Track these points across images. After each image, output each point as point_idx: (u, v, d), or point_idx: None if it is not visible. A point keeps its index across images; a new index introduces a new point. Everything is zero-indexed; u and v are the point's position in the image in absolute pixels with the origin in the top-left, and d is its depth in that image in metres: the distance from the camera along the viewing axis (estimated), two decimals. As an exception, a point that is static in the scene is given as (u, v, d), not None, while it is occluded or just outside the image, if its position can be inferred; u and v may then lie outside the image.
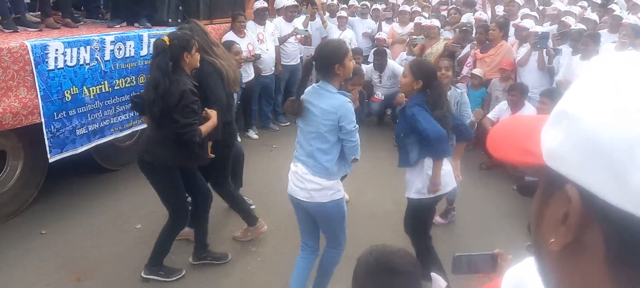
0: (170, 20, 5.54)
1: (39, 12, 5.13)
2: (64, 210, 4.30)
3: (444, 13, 8.34)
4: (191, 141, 3.04)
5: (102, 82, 4.44)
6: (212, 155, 3.46)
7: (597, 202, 0.43)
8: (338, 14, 8.05)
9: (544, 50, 5.75)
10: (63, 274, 3.49)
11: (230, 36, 5.89)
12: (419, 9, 8.58)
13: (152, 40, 4.95)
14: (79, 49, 4.20)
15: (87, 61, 4.28)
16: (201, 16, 5.74)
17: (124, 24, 5.29)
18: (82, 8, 6.00)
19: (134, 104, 3.40)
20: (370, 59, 7.35)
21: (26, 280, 3.41)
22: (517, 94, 5.38)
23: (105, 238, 3.94)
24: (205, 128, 3.14)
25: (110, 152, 4.92)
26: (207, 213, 3.53)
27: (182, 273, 3.46)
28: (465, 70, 6.37)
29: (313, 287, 3.15)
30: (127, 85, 4.69)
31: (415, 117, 3.00)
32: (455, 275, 1.43)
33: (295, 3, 7.39)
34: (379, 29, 8.11)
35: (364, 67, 7.09)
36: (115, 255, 3.71)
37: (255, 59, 6.24)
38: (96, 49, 4.36)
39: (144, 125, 4.14)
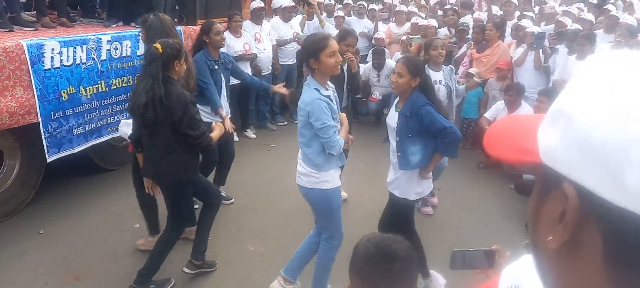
0: (167, 19, 5.52)
1: (35, 12, 5.11)
2: (61, 209, 4.29)
3: (440, 13, 8.37)
4: (207, 148, 3.16)
5: (99, 82, 4.42)
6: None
7: (594, 200, 0.43)
8: (335, 14, 8.06)
9: (541, 49, 5.76)
10: (61, 274, 3.48)
11: (226, 36, 5.88)
12: (416, 9, 8.60)
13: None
14: (75, 48, 4.19)
15: (84, 61, 4.27)
16: (197, 16, 5.73)
17: (120, 23, 5.27)
18: (78, 7, 5.98)
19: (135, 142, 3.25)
20: (368, 58, 7.36)
21: (23, 280, 3.40)
22: (513, 94, 5.40)
23: (102, 237, 3.93)
24: (214, 136, 3.20)
25: (107, 151, 4.90)
26: (213, 217, 3.51)
27: (172, 283, 3.39)
28: (461, 70, 6.38)
29: (312, 281, 3.17)
30: (123, 85, 4.68)
31: (433, 116, 2.99)
32: (453, 270, 1.45)
33: (293, 3, 7.39)
34: (376, 29, 8.12)
35: (361, 66, 7.10)
36: (112, 255, 3.70)
37: (252, 58, 6.23)
38: (92, 48, 4.35)
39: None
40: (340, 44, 4.15)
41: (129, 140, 3.32)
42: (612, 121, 0.41)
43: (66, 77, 4.12)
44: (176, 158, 3.03)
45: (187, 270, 3.46)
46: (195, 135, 2.99)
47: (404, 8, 8.39)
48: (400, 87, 3.07)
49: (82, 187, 4.72)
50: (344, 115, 3.05)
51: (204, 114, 4.17)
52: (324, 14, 8.09)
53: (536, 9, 8.43)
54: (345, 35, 4.26)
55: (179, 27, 5.41)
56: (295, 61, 7.12)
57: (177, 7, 5.72)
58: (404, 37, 7.13)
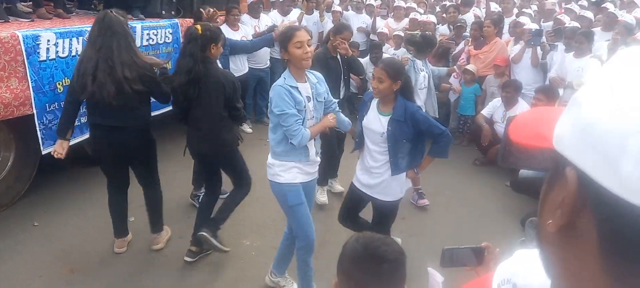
0: (163, 12, 5.50)
1: (31, 2, 5.07)
2: (56, 202, 4.27)
3: (438, 9, 8.37)
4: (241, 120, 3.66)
5: (95, 74, 4.39)
6: None
7: (592, 186, 0.44)
8: (333, 9, 8.04)
9: (538, 47, 5.77)
10: (56, 266, 3.47)
11: (224, 29, 5.86)
12: (414, 5, 8.58)
13: (146, 32, 4.95)
14: (71, 39, 4.16)
15: (80, 52, 4.23)
16: (195, 9, 5.70)
17: (117, 15, 5.23)
18: (75, -1, 5.95)
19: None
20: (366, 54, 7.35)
21: (18, 273, 3.39)
22: (511, 91, 5.40)
23: (97, 230, 3.91)
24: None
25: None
26: (241, 199, 3.69)
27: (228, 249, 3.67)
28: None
29: (298, 282, 3.16)
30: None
31: (429, 121, 3.05)
32: (443, 267, 1.44)
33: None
34: (374, 24, 8.11)
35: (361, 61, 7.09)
36: (108, 248, 3.69)
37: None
38: (89, 40, 4.32)
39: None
40: (336, 38, 4.24)
41: None
42: (611, 119, 0.43)
43: (62, 68, 4.09)
44: (229, 129, 3.44)
45: (188, 259, 3.57)
46: (240, 107, 3.42)
47: (402, 3, 8.37)
48: (381, 93, 2.98)
49: (77, 180, 4.70)
50: (331, 115, 2.97)
51: None
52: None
53: (534, 6, 8.42)
54: (341, 29, 4.32)
55: (176, 20, 5.40)
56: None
57: (174, 0, 5.69)
58: (401, 33, 7.12)
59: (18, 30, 3.83)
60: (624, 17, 6.00)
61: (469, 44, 6.42)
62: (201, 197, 3.94)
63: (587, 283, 0.47)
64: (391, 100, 3.03)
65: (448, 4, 8.32)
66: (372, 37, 8.06)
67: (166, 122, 5.36)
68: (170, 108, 4.90)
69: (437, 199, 4.86)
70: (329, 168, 4.61)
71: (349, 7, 8.78)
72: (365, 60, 6.95)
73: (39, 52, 3.90)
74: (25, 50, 3.79)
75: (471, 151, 6.02)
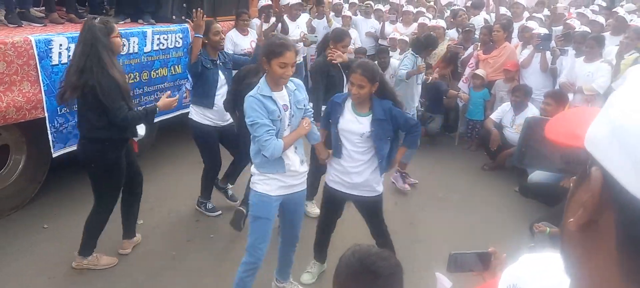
0: (174, 17, 5.55)
1: (43, 8, 5.14)
2: (66, 204, 4.31)
3: (447, 13, 8.35)
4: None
5: (106, 78, 4.44)
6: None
7: (615, 187, 0.45)
8: (343, 13, 8.05)
9: (548, 51, 5.73)
10: (65, 268, 3.50)
11: (233, 34, 5.89)
12: (423, 10, 8.57)
13: (156, 37, 5.00)
14: (82, 44, 4.20)
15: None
16: (205, 13, 5.73)
17: (128, 20, 5.29)
18: (86, 4, 6.00)
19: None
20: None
21: (28, 274, 3.42)
22: (520, 95, 5.38)
23: (106, 232, 3.92)
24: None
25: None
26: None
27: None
28: (467, 71, 6.36)
29: None
30: (130, 81, 4.68)
31: (405, 115, 3.15)
32: (449, 272, 1.45)
33: (300, 1, 7.38)
34: (383, 29, 8.11)
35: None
36: (116, 250, 3.72)
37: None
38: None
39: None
40: (337, 46, 4.10)
41: (135, 139, 3.52)
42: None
43: (73, 72, 4.14)
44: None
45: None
46: None
47: (411, 8, 8.37)
48: (362, 97, 2.99)
49: (87, 183, 4.72)
50: (306, 121, 2.87)
51: (206, 116, 4.16)
52: (332, 14, 8.09)
53: (546, 10, 8.37)
54: (343, 36, 4.19)
55: (185, 25, 5.44)
56: (301, 61, 7.12)
57: (184, 5, 5.74)
58: (406, 38, 7.11)
59: (31, 35, 3.89)
60: (634, 22, 5.95)
61: (478, 48, 6.39)
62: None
63: (604, 283, 0.48)
64: (367, 101, 3.05)
65: (457, 8, 8.30)
66: (380, 41, 8.06)
67: (172, 127, 5.40)
68: (174, 113, 4.93)
69: (445, 203, 4.85)
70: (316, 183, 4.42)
71: (358, 12, 8.79)
72: (373, 65, 6.96)
73: (51, 56, 3.95)
74: (38, 55, 3.84)
75: (479, 156, 5.99)
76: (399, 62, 5.22)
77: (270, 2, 6.72)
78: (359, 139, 3.06)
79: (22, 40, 3.77)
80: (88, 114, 3.14)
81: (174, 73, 5.28)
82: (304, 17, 7.47)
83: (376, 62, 6.84)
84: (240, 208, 3.92)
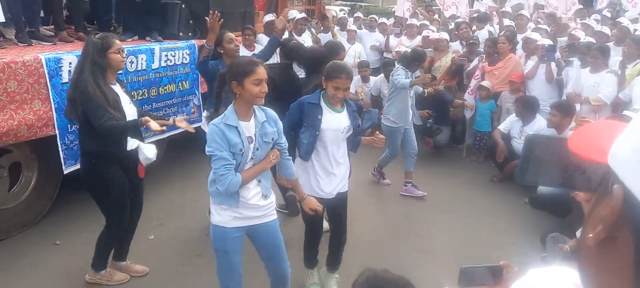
0: (181, 34, 5.62)
1: (53, 26, 5.22)
2: (77, 221, 4.33)
3: (451, 26, 8.39)
4: None
5: (115, 95, 4.49)
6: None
7: (636, 206, 0.45)
8: (348, 27, 8.11)
9: (553, 62, 5.74)
10: (76, 285, 3.51)
11: (240, 50, 5.94)
12: (427, 22, 8.63)
13: (164, 54, 5.06)
14: (92, 62, 4.26)
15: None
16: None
17: (136, 37, 5.36)
18: (95, 22, 6.10)
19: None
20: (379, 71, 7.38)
21: (38, 290, 3.44)
22: (519, 106, 5.38)
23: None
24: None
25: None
26: None
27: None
28: (473, 83, 6.37)
29: None
30: (139, 98, 4.74)
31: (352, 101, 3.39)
32: (460, 287, 1.44)
33: (305, 16, 7.46)
34: (387, 42, 8.16)
35: (372, 79, 7.13)
36: (127, 266, 3.72)
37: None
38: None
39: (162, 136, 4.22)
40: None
41: (144, 163, 3.40)
42: None
43: (83, 90, 4.19)
44: None
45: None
46: None
47: (415, 21, 8.42)
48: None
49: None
50: (274, 152, 2.69)
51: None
52: (337, 28, 8.15)
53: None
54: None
55: (192, 41, 5.50)
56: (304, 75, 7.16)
57: (191, 22, 5.81)
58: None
59: (41, 54, 3.95)
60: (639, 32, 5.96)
61: (483, 60, 6.41)
62: None
63: None
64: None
65: (461, 20, 8.34)
66: (385, 55, 8.11)
67: (182, 142, 5.43)
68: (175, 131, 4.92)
69: (453, 215, 4.83)
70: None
71: (362, 26, 8.86)
72: (379, 78, 7.00)
73: (61, 74, 4.00)
74: (48, 73, 3.89)
75: (488, 167, 5.98)
76: (392, 75, 5.24)
77: (274, 18, 6.79)
78: (341, 136, 3.13)
79: (33, 59, 3.82)
80: (80, 127, 3.21)
81: (181, 89, 5.32)
82: (308, 34, 7.52)
83: (382, 74, 6.91)
84: (291, 193, 3.96)
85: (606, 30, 6.68)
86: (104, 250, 3.48)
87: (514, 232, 4.51)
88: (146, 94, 4.84)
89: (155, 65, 4.93)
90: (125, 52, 3.40)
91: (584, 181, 0.60)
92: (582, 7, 9.38)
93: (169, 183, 5.15)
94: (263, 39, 6.55)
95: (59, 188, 4.35)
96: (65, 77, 4.03)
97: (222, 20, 4.19)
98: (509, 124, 5.53)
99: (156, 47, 4.98)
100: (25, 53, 3.98)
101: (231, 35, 4.31)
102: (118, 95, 3.15)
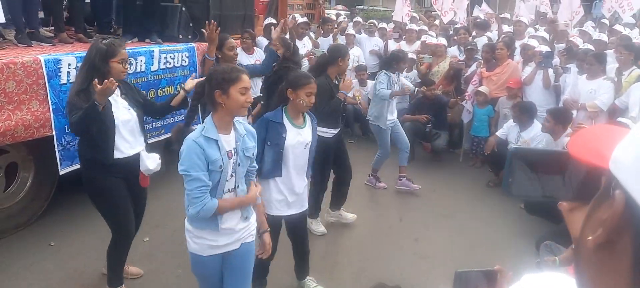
0: (181, 36, 5.63)
1: (53, 28, 5.23)
2: (72, 222, 4.33)
3: (452, 31, 8.42)
4: None
5: (113, 97, 4.49)
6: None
7: (637, 212, 0.46)
8: (346, 32, 8.15)
9: (551, 68, 5.76)
10: (70, 286, 3.51)
11: (239, 53, 5.96)
12: (426, 28, 8.66)
13: (163, 56, 5.07)
14: (91, 63, 4.27)
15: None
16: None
17: (136, 39, 5.37)
18: (95, 24, 6.11)
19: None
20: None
21: (33, 291, 3.43)
22: (516, 112, 5.40)
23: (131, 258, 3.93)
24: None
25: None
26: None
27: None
28: (470, 88, 6.39)
29: None
30: (137, 100, 4.76)
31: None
32: None
33: (306, 20, 7.48)
34: (386, 47, 8.18)
35: (369, 82, 7.15)
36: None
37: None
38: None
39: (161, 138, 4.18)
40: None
41: (149, 175, 3.30)
42: None
43: (81, 91, 4.19)
44: None
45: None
46: None
47: (414, 27, 8.45)
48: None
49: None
50: (256, 188, 2.57)
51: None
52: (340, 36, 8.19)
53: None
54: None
55: (192, 44, 5.52)
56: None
57: (191, 24, 5.82)
58: (413, 56, 7.18)
59: (40, 55, 3.95)
60: (637, 39, 6.00)
61: (481, 66, 6.43)
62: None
63: None
64: (300, 112, 3.08)
65: (459, 26, 8.38)
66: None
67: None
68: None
69: (449, 221, 4.84)
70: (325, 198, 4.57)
71: (362, 30, 8.88)
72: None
73: (60, 76, 4.01)
74: (47, 74, 3.90)
75: (484, 173, 5.99)
76: (375, 81, 5.30)
77: (274, 21, 6.81)
78: (303, 152, 3.08)
79: (32, 60, 3.83)
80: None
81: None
82: (308, 39, 7.54)
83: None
84: None
85: (604, 37, 6.71)
86: (114, 263, 3.34)
87: (510, 237, 4.52)
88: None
89: (154, 68, 4.94)
90: (128, 63, 3.30)
91: (566, 191, 0.61)
92: (583, 14, 9.43)
93: (165, 186, 5.14)
94: (262, 42, 6.57)
95: (54, 189, 4.35)
96: (64, 79, 4.04)
97: (219, 29, 4.18)
98: (507, 129, 5.54)
99: (155, 49, 4.99)
100: (25, 54, 3.99)
101: (233, 42, 4.28)
102: (109, 102, 3.00)
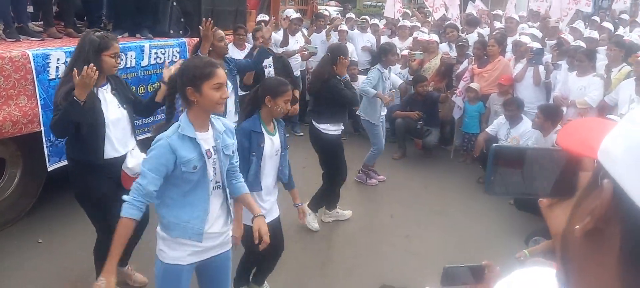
0: (172, 32, 5.59)
1: (42, 22, 5.17)
2: (61, 219, 4.29)
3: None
4: None
5: (103, 92, 4.45)
6: None
7: (625, 200, 0.47)
8: (339, 28, 8.14)
9: (541, 65, 5.79)
10: (59, 283, 3.48)
11: (230, 49, 5.93)
12: (419, 24, 8.67)
13: (154, 51, 5.03)
14: (80, 58, 4.23)
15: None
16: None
17: (126, 34, 5.32)
18: (85, 18, 6.05)
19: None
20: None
21: (20, 288, 3.40)
22: (513, 109, 5.43)
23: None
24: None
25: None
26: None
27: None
28: (462, 85, 6.41)
29: None
30: (127, 95, 4.73)
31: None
32: (443, 287, 1.45)
33: (300, 16, 7.46)
34: (379, 43, 8.18)
35: (361, 77, 7.15)
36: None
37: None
38: (97, 59, 4.39)
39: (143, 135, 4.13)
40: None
41: (134, 176, 3.08)
42: None
43: (70, 87, 4.15)
44: None
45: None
46: None
47: (407, 23, 8.45)
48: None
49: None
50: (260, 225, 2.41)
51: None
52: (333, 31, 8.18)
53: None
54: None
55: (183, 39, 5.48)
56: (298, 74, 7.17)
57: (182, 19, 5.78)
58: (405, 52, 7.18)
59: (28, 49, 3.91)
60: (629, 37, 6.04)
61: (472, 62, 6.45)
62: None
63: None
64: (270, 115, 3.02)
65: (449, 22, 8.39)
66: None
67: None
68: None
69: (440, 217, 4.86)
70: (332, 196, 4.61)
71: (355, 27, 8.87)
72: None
73: (48, 71, 3.97)
74: (35, 69, 3.85)
75: (475, 169, 6.01)
76: (366, 77, 5.31)
77: (266, 18, 6.78)
78: (275, 159, 3.02)
79: (20, 54, 3.79)
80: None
81: (170, 87, 5.30)
82: (301, 35, 7.52)
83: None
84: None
85: (595, 35, 6.76)
86: (102, 260, 3.30)
87: (500, 232, 4.55)
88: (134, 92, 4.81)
89: (144, 63, 4.90)
90: (120, 58, 3.20)
91: (546, 187, 0.62)
92: (574, 11, 9.47)
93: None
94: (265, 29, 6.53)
95: (43, 185, 4.30)
96: (53, 74, 4.00)
97: (215, 28, 4.15)
98: (497, 126, 5.57)
99: (146, 44, 4.95)
100: (13, 48, 3.94)
101: (221, 33, 4.27)
102: (98, 99, 2.93)
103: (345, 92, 4.29)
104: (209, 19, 4.11)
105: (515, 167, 0.63)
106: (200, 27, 4.14)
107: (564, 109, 5.18)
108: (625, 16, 9.48)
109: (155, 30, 5.46)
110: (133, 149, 3.15)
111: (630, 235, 0.46)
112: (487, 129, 5.69)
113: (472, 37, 7.40)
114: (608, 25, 7.35)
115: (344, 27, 8.27)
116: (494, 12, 9.56)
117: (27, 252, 3.83)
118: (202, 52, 4.05)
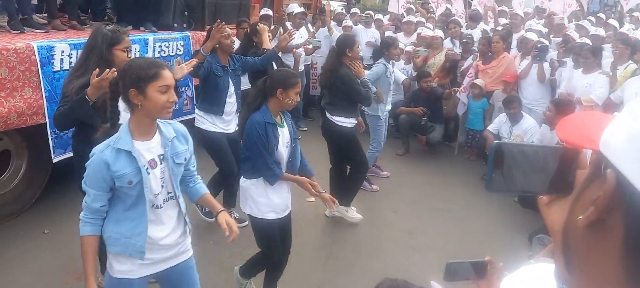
0: (175, 24, 5.59)
1: (46, 14, 5.18)
2: (66, 210, 4.30)
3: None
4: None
5: (107, 85, 4.46)
6: None
7: (628, 190, 0.47)
8: (344, 23, 8.12)
9: (546, 62, 5.77)
10: (64, 274, 3.50)
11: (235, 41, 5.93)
12: (423, 20, 8.63)
13: (158, 44, 5.03)
14: (84, 51, 4.23)
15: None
16: (206, 22, 5.77)
17: (130, 27, 5.32)
18: (89, 11, 6.06)
19: None
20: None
21: (26, 279, 3.43)
22: (516, 107, 5.40)
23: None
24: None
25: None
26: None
27: None
28: (466, 81, 6.39)
29: None
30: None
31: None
32: (446, 281, 1.46)
33: (303, 10, 7.44)
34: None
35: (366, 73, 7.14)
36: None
37: None
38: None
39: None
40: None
41: None
42: None
43: (75, 79, 4.16)
44: None
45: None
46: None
47: (412, 19, 8.42)
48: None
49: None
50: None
51: (215, 124, 4.11)
52: (333, 23, 8.15)
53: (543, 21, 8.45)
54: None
55: (187, 33, 5.48)
56: (302, 69, 7.15)
57: (186, 13, 5.78)
58: (410, 48, 7.15)
59: (33, 41, 3.92)
60: (635, 34, 6.01)
61: (477, 58, 6.43)
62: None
63: (606, 282, 0.49)
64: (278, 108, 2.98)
65: (452, 18, 8.36)
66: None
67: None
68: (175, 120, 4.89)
69: (444, 213, 4.86)
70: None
71: (358, 22, 8.85)
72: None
73: (53, 63, 3.98)
74: (40, 61, 3.86)
75: (479, 166, 6.01)
76: (369, 72, 5.29)
77: (270, 12, 6.76)
78: (287, 150, 2.98)
79: (25, 46, 3.79)
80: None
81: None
82: (305, 30, 7.50)
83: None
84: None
85: (601, 32, 6.72)
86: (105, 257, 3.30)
87: (504, 229, 4.55)
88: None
89: (148, 55, 4.90)
90: (131, 52, 3.16)
91: (543, 185, 0.62)
92: (578, 8, 9.42)
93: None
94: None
95: (48, 177, 4.32)
96: (57, 66, 4.01)
97: (225, 32, 4.09)
98: (498, 123, 5.55)
99: (150, 37, 4.96)
100: (18, 40, 3.95)
101: (228, 30, 4.17)
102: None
103: (358, 87, 4.30)
104: (223, 22, 4.05)
105: (516, 164, 0.63)
106: (208, 25, 4.11)
107: (572, 104, 5.17)
108: (638, 14, 9.39)
109: (159, 23, 5.46)
110: None
111: (633, 224, 0.47)
112: (489, 127, 5.67)
113: (475, 33, 7.38)
114: (614, 22, 7.30)
115: (348, 22, 8.26)
116: (500, 8, 9.51)
117: (32, 242, 3.85)
118: (205, 50, 4.00)
